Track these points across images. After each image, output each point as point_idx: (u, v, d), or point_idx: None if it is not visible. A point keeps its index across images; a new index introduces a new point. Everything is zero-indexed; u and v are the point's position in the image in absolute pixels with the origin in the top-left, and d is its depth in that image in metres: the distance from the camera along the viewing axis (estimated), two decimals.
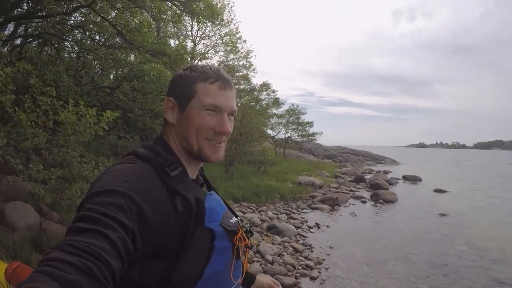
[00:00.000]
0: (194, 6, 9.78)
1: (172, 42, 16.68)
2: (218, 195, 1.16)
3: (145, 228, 0.85)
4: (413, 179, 24.71)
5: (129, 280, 0.88)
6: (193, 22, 20.66)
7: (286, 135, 33.18)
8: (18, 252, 4.76)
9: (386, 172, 29.09)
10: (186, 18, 15.39)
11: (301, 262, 7.29)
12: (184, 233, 0.95)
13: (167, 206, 0.93)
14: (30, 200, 6.25)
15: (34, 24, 8.82)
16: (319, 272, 6.94)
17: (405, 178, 25.22)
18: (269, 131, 31.56)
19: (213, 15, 12.38)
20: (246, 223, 1.17)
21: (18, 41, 8.74)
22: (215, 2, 14.95)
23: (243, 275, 1.17)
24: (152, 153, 1.02)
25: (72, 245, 0.68)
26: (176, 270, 0.92)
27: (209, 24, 19.50)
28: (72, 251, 0.67)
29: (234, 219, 1.10)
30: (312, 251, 8.10)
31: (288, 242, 8.42)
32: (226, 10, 19.33)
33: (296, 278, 6.57)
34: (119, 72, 9.65)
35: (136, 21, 8.42)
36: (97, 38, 9.35)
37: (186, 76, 1.08)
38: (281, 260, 7.17)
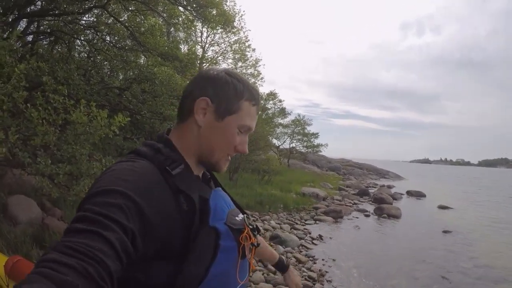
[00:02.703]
0: (207, 12, 9.79)
1: (182, 47, 16.72)
2: (224, 192, 1.15)
3: (146, 228, 0.83)
4: (417, 195, 24.60)
5: (135, 281, 0.87)
6: (203, 28, 20.79)
7: (291, 145, 33.26)
8: (19, 246, 4.76)
9: (390, 187, 28.99)
10: (197, 24, 15.45)
11: (304, 274, 7.20)
12: (189, 233, 0.94)
13: (169, 205, 0.92)
14: (33, 195, 6.25)
15: (46, 22, 8.86)
16: (321, 285, 6.86)
17: (409, 193, 25.06)
18: (274, 141, 31.65)
19: (226, 21, 12.41)
20: (254, 220, 1.15)
21: (29, 38, 8.77)
22: (226, 9, 14.99)
23: (249, 274, 1.15)
24: (153, 151, 1.00)
25: (69, 247, 0.68)
26: (181, 270, 0.90)
27: (219, 31, 19.62)
28: (69, 253, 0.67)
29: (240, 216, 1.08)
30: (315, 263, 8.01)
31: (291, 253, 8.36)
32: (237, 18, 19.43)
33: None
34: (129, 73, 9.65)
35: (148, 24, 8.45)
36: (108, 39, 9.37)
37: (234, 86, 1.06)
38: None
